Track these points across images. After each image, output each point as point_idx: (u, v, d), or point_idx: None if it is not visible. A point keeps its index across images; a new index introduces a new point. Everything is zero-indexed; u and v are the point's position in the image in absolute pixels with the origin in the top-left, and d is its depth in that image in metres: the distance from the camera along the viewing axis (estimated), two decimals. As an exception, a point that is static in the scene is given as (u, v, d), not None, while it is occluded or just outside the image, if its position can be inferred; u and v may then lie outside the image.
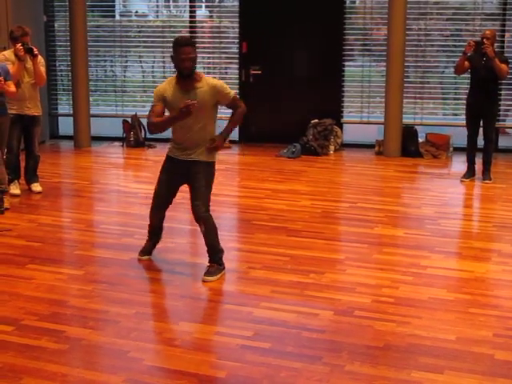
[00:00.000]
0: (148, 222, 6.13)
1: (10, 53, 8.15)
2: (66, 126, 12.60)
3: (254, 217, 7.53)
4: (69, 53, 11.92)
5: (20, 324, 4.76)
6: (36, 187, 8.53)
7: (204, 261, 5.80)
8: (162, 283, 5.58)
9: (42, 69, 8.26)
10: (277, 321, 4.85)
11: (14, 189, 8.27)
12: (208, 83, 5.53)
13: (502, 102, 10.94)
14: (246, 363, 4.23)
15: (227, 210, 8.13)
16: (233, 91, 5.69)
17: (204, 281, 5.54)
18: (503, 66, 9.02)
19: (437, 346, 4.48)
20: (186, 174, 5.65)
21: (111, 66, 13.56)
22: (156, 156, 11.14)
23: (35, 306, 5.08)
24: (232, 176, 9.89)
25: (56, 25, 12.72)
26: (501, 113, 11.17)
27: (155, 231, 6.14)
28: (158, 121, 5.54)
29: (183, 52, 5.39)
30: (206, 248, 5.77)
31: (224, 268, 5.74)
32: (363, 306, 5.12)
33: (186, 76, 5.45)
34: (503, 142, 11.58)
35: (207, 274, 5.62)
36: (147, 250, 6.17)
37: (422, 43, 11.90)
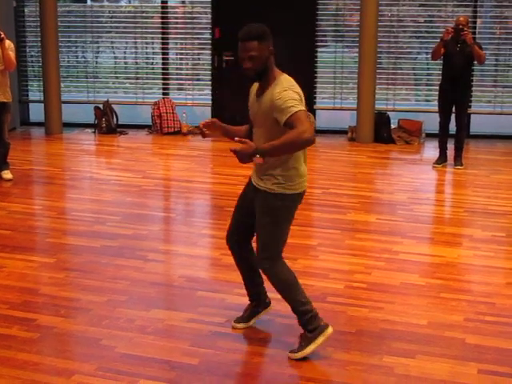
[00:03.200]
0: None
1: (-22, 38, 8.05)
2: (36, 112, 12.47)
3: (227, 203, 7.49)
4: (39, 38, 11.77)
5: (-10, 312, 4.72)
6: (6, 174, 8.44)
7: (178, 248, 5.76)
8: (134, 270, 5.53)
9: (11, 54, 8.15)
10: (250, 307, 4.84)
11: (-16, 176, 8.20)
12: (272, 90, 4.00)
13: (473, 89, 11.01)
14: (219, 350, 4.23)
15: (200, 197, 8.11)
16: (298, 108, 3.84)
17: (289, 357, 4.16)
18: (482, 52, 9.10)
19: (409, 330, 4.51)
20: (253, 201, 4.29)
21: (83, 52, 13.43)
22: (128, 143, 11.10)
23: (6, 294, 5.04)
24: (205, 162, 9.85)
25: (26, 10, 12.56)
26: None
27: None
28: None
29: (242, 49, 4.04)
30: (181, 236, 5.61)
31: (318, 335, 4.16)
32: (336, 292, 5.14)
33: (252, 79, 4.15)
34: (474, 127, 11.64)
35: (294, 348, 4.19)
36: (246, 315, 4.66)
37: (394, 29, 11.92)
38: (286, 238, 4.23)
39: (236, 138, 3.98)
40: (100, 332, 4.44)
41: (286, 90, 3.93)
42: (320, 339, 4.14)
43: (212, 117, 11.91)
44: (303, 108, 3.88)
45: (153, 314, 4.76)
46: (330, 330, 4.18)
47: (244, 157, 3.87)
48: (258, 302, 4.58)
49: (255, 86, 4.20)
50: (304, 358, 4.11)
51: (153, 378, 3.89)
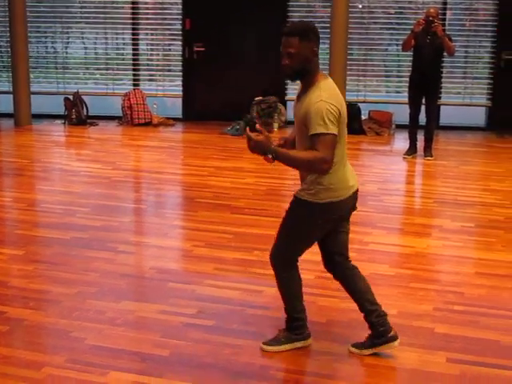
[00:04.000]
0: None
1: None
2: (5, 103, 12.35)
3: (198, 194, 7.50)
4: (8, 28, 11.65)
5: (-41, 305, 4.68)
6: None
7: (148, 240, 5.76)
8: (104, 262, 5.51)
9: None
10: (221, 298, 4.85)
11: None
12: (311, 95, 3.78)
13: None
14: (190, 341, 4.23)
15: (171, 188, 8.09)
16: (327, 130, 3.68)
17: (260, 348, 4.17)
18: (452, 44, 9.18)
19: (378, 320, 4.54)
20: None
21: (52, 43, 13.32)
22: (98, 134, 11.04)
23: (-25, 286, 5.01)
24: (176, 154, 9.82)
25: (-6, 0, 12.45)
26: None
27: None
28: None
29: (282, 44, 3.79)
30: (152, 227, 5.56)
31: (297, 340, 4.18)
32: (307, 283, 5.11)
33: (288, 78, 3.96)
34: (444, 119, 11.72)
35: (270, 339, 4.19)
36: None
37: (365, 21, 11.96)
38: (304, 248, 4.15)
39: (257, 126, 3.83)
40: (70, 324, 4.42)
41: (324, 101, 3.68)
42: (294, 345, 4.16)
43: (183, 108, 11.90)
44: (334, 131, 3.70)
45: (123, 305, 4.75)
46: (309, 341, 4.20)
47: (257, 147, 3.69)
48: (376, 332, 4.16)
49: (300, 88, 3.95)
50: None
51: (123, 370, 3.88)
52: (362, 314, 4.18)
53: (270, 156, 3.69)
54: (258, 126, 3.83)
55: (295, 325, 4.18)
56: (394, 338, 4.09)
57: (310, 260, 5.59)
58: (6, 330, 4.36)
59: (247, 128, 3.84)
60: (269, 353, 4.10)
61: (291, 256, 4.12)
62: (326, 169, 3.68)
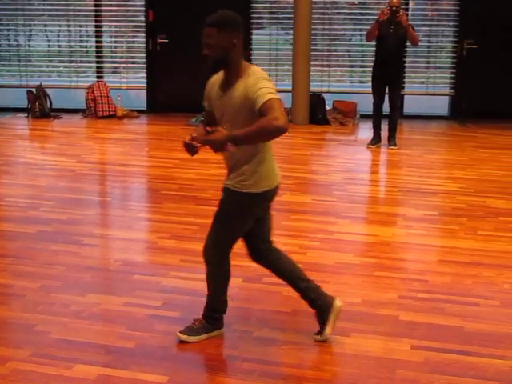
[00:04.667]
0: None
1: None
2: (-33, 97, 12.25)
3: (163, 186, 7.48)
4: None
5: None
6: None
7: (113, 232, 5.73)
8: (69, 255, 5.48)
9: None
10: (186, 290, 4.85)
11: None
12: (245, 81, 3.79)
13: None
14: (155, 333, 4.23)
15: (136, 180, 8.06)
16: (273, 96, 3.65)
17: (177, 337, 4.17)
18: (416, 34, 9.24)
19: (344, 309, 4.53)
20: None
21: (15, 36, 13.18)
22: (62, 127, 10.96)
23: None
24: (140, 146, 9.78)
25: (-46, -8, 12.29)
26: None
27: None
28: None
29: (202, 34, 3.81)
30: (116, 220, 5.58)
31: (213, 330, 4.23)
32: (271, 273, 5.16)
33: (210, 69, 3.94)
34: (408, 108, 11.80)
35: (186, 329, 4.19)
36: None
37: (329, 11, 11.98)
38: (238, 239, 4.13)
39: (207, 128, 3.80)
40: (34, 318, 4.39)
41: (261, 78, 3.74)
42: (210, 335, 4.20)
43: (147, 100, 11.85)
44: (278, 97, 3.69)
45: (88, 298, 4.73)
46: (222, 329, 4.25)
47: (217, 145, 3.66)
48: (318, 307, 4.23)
49: (214, 80, 3.99)
50: (230, 337, 4.14)
51: (88, 363, 3.87)
52: (300, 295, 4.21)
53: (230, 144, 3.65)
54: (207, 128, 3.81)
55: (216, 316, 4.22)
56: (338, 302, 4.17)
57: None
58: (-31, 325, 4.33)
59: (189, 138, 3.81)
60: (235, 343, 4.11)
61: (227, 249, 4.11)
62: (281, 125, 3.55)
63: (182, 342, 4.13)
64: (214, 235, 4.08)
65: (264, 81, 3.74)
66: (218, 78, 3.97)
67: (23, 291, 4.79)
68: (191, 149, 3.86)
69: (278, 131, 3.59)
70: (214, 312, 4.22)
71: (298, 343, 4.14)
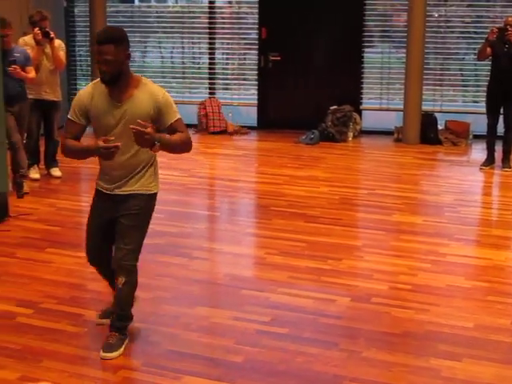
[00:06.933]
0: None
1: (29, 38, 8.15)
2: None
3: (272, 203, 7.52)
4: (88, 38, 11.93)
5: (39, 307, 4.79)
6: (55, 172, 8.55)
7: (222, 247, 5.77)
8: (179, 268, 5.55)
9: (62, 53, 8.27)
10: (294, 306, 4.85)
11: (34, 173, 8.30)
12: (144, 92, 4.06)
13: None
14: (263, 348, 4.24)
15: (245, 196, 8.13)
16: (179, 115, 4.11)
17: (103, 358, 4.09)
18: None
19: (455, 333, 4.47)
20: (114, 212, 4.19)
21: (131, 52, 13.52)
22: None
23: (54, 289, 5.11)
24: (250, 162, 9.87)
25: (76, 10, 12.73)
26: None
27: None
28: (74, 147, 4.20)
29: (98, 52, 4.00)
30: (225, 235, 5.58)
31: (127, 337, 4.27)
32: (380, 293, 5.11)
33: (107, 83, 4.03)
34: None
35: (107, 348, 4.14)
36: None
37: (442, 30, 11.82)
38: None
39: (139, 121, 3.88)
40: (147, 328, 4.48)
41: (166, 94, 4.11)
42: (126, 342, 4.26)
43: (258, 117, 11.96)
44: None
45: (197, 311, 4.80)
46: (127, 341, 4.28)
47: (148, 140, 3.88)
48: None
49: (88, 93, 4.15)
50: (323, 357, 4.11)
51: (197, 375, 3.91)
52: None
53: (158, 144, 3.88)
54: (139, 121, 3.89)
55: (128, 324, 4.29)
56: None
57: (384, 270, 5.59)
58: (83, 332, 4.45)
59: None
60: (342, 362, 4.08)
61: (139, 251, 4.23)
62: (191, 145, 4.12)
63: (103, 359, 4.09)
64: (133, 244, 4.14)
65: (170, 97, 4.11)
66: (92, 90, 4.14)
67: (138, 302, 4.89)
68: (107, 153, 3.94)
69: (190, 148, 4.13)
70: (127, 319, 4.29)
71: (408, 365, 4.07)
